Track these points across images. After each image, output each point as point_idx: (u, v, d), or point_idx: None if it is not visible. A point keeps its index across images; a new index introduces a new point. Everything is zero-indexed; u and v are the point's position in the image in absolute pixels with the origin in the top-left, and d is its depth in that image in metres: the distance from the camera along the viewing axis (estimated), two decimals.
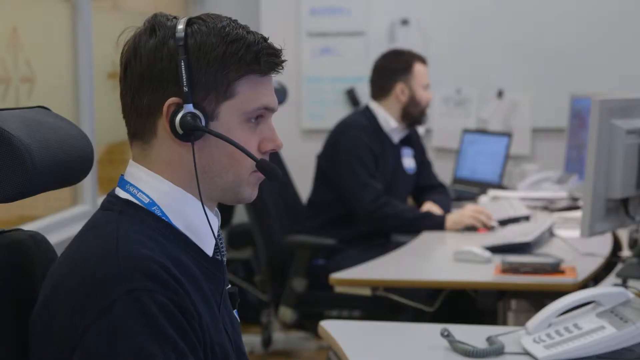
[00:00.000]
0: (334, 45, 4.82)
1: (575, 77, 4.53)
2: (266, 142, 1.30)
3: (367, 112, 3.58)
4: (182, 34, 1.24)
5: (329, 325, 2.06)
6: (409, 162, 3.66)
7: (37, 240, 1.36)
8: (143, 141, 1.28)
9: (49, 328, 1.17)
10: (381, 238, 3.41)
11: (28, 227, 1.98)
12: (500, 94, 4.67)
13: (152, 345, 1.12)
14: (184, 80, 1.23)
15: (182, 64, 1.23)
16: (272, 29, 4.75)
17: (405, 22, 4.72)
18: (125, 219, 1.23)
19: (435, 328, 1.91)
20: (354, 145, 3.42)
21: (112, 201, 1.28)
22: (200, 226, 1.28)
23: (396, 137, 3.58)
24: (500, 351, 1.82)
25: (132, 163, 1.30)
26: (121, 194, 1.28)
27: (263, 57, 1.27)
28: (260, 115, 1.30)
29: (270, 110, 1.31)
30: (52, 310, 1.18)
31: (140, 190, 1.27)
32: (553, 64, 4.60)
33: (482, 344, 1.85)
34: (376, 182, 3.38)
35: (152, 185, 1.27)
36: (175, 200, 1.27)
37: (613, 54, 4.52)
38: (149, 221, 1.24)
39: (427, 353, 1.88)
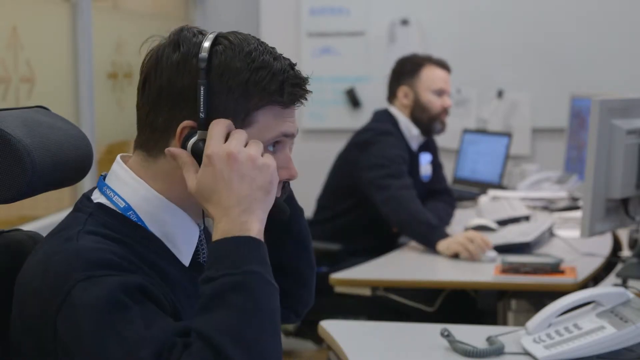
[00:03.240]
0: (334, 45, 4.82)
1: (575, 77, 4.53)
2: (281, 171, 1.25)
3: (390, 117, 3.40)
4: (206, 55, 1.20)
5: (329, 326, 2.06)
6: (426, 169, 3.52)
7: (37, 241, 1.36)
8: (149, 154, 1.26)
9: (26, 332, 1.17)
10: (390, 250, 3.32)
11: (28, 227, 1.98)
12: (500, 94, 4.67)
13: (115, 316, 1.10)
14: (201, 105, 1.19)
15: (202, 88, 1.19)
16: (272, 29, 4.75)
17: (405, 22, 4.72)
18: (93, 222, 1.22)
19: (435, 328, 1.91)
20: (388, 151, 3.23)
21: (84, 203, 1.27)
22: (178, 235, 1.27)
23: (415, 144, 3.44)
24: (500, 351, 1.82)
25: (120, 162, 1.28)
26: (96, 196, 1.27)
27: (287, 88, 1.23)
28: (278, 142, 1.26)
29: (289, 136, 1.27)
30: (24, 316, 1.18)
31: (117, 194, 1.25)
32: (553, 64, 4.60)
33: (482, 344, 1.85)
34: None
35: (134, 190, 1.25)
36: (156, 207, 1.25)
37: (613, 54, 4.52)
38: (119, 227, 1.22)
39: (427, 353, 1.88)
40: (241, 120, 1.22)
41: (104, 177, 1.30)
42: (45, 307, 1.14)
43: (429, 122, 3.37)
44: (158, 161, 1.25)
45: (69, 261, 1.15)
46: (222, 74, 1.21)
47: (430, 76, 3.37)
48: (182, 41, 1.23)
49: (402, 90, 3.38)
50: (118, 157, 1.29)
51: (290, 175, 1.28)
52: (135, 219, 1.24)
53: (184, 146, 1.21)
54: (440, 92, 3.37)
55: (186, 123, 1.21)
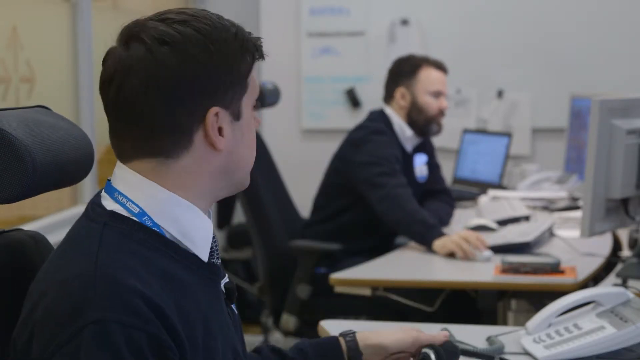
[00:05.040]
0: (334, 45, 4.82)
1: (575, 77, 4.53)
2: (255, 121, 1.32)
3: (384, 118, 3.39)
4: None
5: (329, 326, 2.06)
6: (421, 170, 3.51)
7: (37, 241, 1.35)
8: (166, 157, 1.22)
9: (27, 349, 1.14)
10: (389, 248, 3.32)
11: (28, 227, 1.98)
12: (500, 94, 4.67)
13: None
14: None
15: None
16: (272, 29, 4.75)
17: (405, 22, 4.72)
18: (109, 234, 1.18)
19: (435, 328, 1.90)
20: (381, 150, 3.24)
21: (97, 211, 1.23)
22: (196, 232, 1.25)
23: (409, 146, 3.42)
24: (500, 351, 1.82)
25: (122, 166, 1.24)
26: (108, 203, 1.23)
27: (258, 43, 1.27)
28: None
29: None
30: (29, 330, 1.15)
31: (129, 200, 1.22)
32: (553, 64, 4.60)
33: (482, 344, 1.85)
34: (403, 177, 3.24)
35: (145, 192, 1.22)
36: (169, 206, 1.22)
37: (613, 54, 4.52)
38: (135, 234, 1.19)
39: None
40: (241, 88, 1.25)
41: (111, 183, 1.26)
42: (52, 333, 1.11)
43: (425, 123, 3.36)
44: (180, 158, 1.22)
45: (86, 291, 1.11)
46: (220, 50, 1.22)
47: (428, 78, 3.35)
48: (164, 35, 1.21)
49: (400, 92, 3.37)
50: (118, 162, 1.26)
51: (257, 121, 1.32)
52: (151, 224, 1.21)
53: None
54: (437, 94, 3.36)
55: (215, 110, 1.22)
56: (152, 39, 1.20)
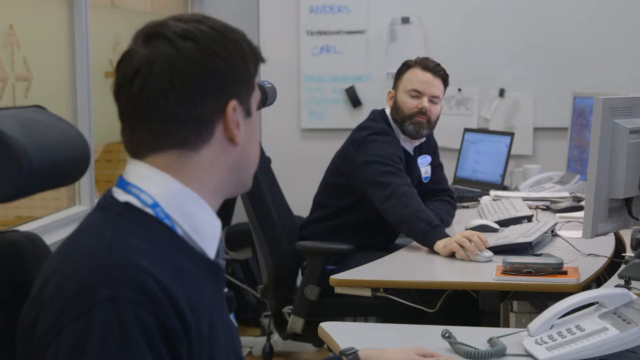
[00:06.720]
0: (334, 44, 4.80)
1: (577, 76, 4.52)
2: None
3: (385, 117, 3.38)
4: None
5: (329, 327, 2.05)
6: (426, 171, 3.49)
7: (33, 241, 1.36)
8: (187, 149, 1.24)
9: (33, 327, 1.15)
10: (389, 247, 3.30)
11: (25, 227, 1.97)
12: (501, 93, 4.66)
13: (119, 357, 1.09)
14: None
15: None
16: (272, 27, 4.74)
17: (405, 20, 4.71)
18: (123, 222, 1.20)
19: (436, 329, 1.90)
20: (384, 150, 3.23)
21: (110, 202, 1.24)
22: (205, 228, 1.26)
23: (409, 146, 3.40)
24: (501, 353, 1.81)
25: (135, 162, 1.26)
26: (120, 196, 1.24)
27: (259, 49, 1.31)
28: None
29: None
30: (37, 309, 1.16)
31: (143, 191, 1.23)
32: (555, 63, 4.58)
33: (483, 346, 1.84)
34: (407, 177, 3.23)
35: (159, 184, 1.23)
36: (182, 200, 1.24)
37: (615, 52, 4.51)
38: (148, 223, 1.21)
39: None
40: (252, 87, 1.29)
41: (123, 178, 1.27)
42: (63, 309, 1.12)
43: (402, 122, 3.33)
44: (201, 151, 1.25)
45: (99, 270, 1.13)
46: (235, 48, 1.26)
47: (409, 78, 3.34)
48: (186, 32, 1.24)
49: (390, 93, 3.40)
50: (131, 159, 1.27)
51: None
52: (163, 216, 1.22)
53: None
54: (415, 93, 3.32)
55: (233, 103, 1.25)
56: (174, 35, 1.23)
